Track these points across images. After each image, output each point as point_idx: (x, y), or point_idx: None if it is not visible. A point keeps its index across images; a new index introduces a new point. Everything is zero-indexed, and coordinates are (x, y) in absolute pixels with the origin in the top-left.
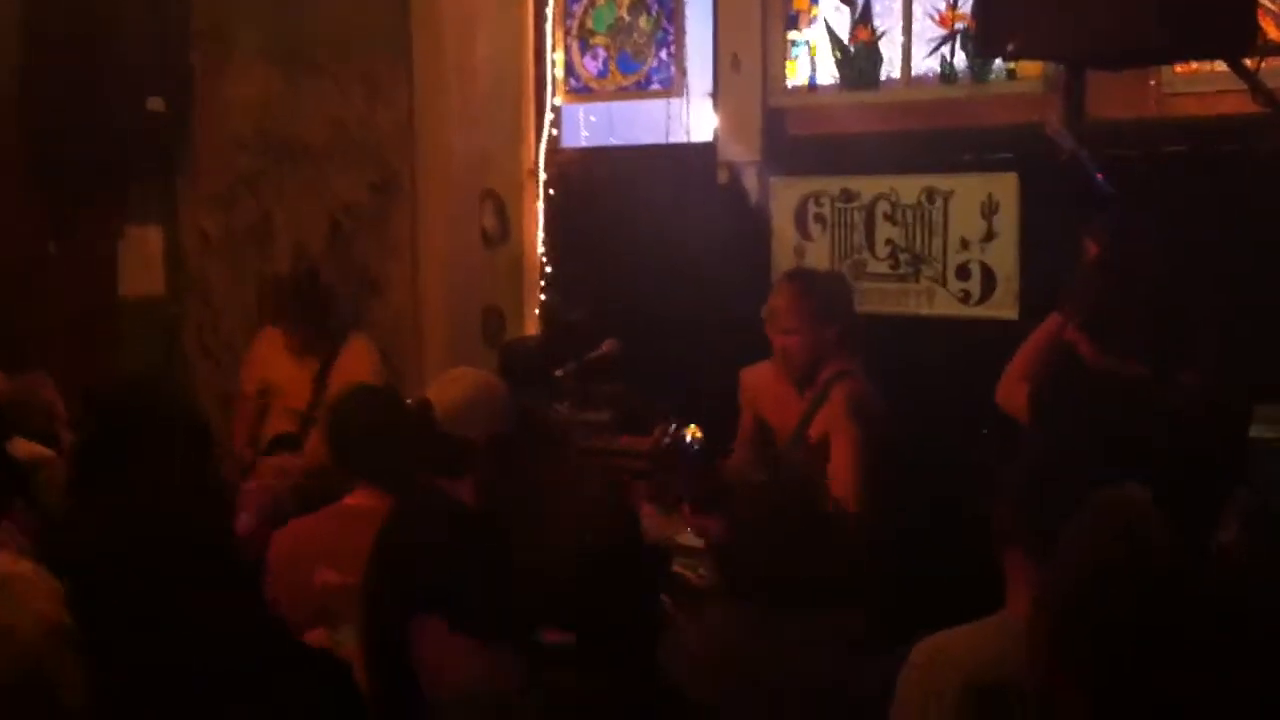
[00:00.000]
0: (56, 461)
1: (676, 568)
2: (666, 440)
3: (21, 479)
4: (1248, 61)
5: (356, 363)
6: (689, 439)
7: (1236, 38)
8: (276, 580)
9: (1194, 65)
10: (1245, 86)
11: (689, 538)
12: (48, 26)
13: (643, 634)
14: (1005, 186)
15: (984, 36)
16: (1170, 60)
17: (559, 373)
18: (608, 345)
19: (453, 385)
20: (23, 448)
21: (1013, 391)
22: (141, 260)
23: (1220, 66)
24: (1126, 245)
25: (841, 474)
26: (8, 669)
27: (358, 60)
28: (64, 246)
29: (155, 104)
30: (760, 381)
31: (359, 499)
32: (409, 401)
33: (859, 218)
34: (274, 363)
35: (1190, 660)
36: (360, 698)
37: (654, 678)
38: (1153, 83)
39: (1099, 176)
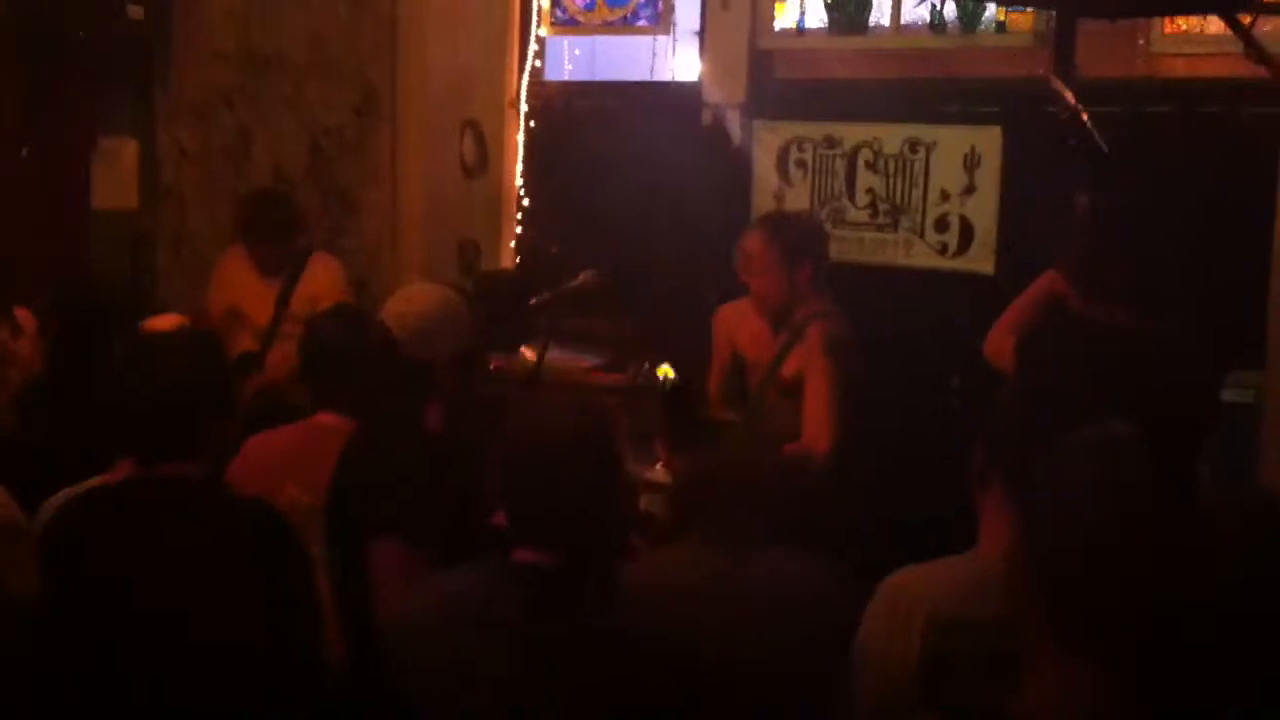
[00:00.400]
0: None
1: (643, 505)
2: (639, 378)
3: None
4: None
5: (320, 280)
6: (662, 378)
7: None
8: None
9: (1183, 26)
10: (1232, 50)
11: (659, 474)
12: None
13: (606, 550)
14: (988, 140)
15: None
16: (1167, 12)
17: (534, 301)
18: (585, 276)
19: (412, 304)
20: None
21: (1002, 344)
22: (115, 172)
23: (1210, 29)
24: (1118, 197)
25: (815, 410)
26: None
27: None
28: (37, 153)
29: (135, 11)
30: (738, 316)
31: (328, 417)
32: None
33: (840, 165)
34: (238, 282)
35: (1173, 607)
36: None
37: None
38: (1141, 42)
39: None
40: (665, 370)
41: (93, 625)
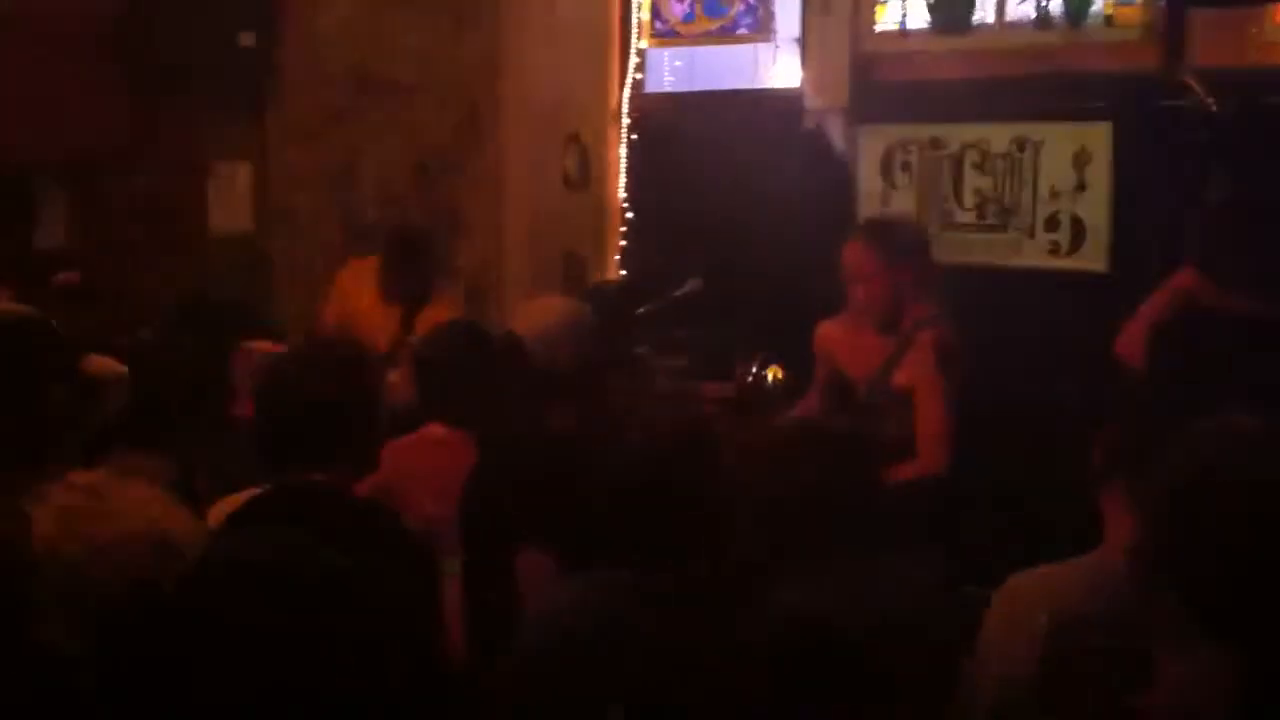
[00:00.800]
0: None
1: None
2: (749, 380)
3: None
4: None
5: (443, 315)
6: (771, 379)
7: None
8: None
9: None
10: None
11: None
12: None
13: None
14: (1098, 136)
15: None
16: None
17: (641, 311)
18: (691, 284)
19: (543, 314)
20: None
21: (1136, 342)
22: (231, 196)
23: None
24: (1246, 188)
25: (930, 428)
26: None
27: None
28: (152, 179)
29: (246, 39)
30: (837, 333)
31: (438, 428)
32: (498, 335)
33: (947, 167)
34: (359, 296)
35: None
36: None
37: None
38: (1254, 30)
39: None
40: (775, 371)
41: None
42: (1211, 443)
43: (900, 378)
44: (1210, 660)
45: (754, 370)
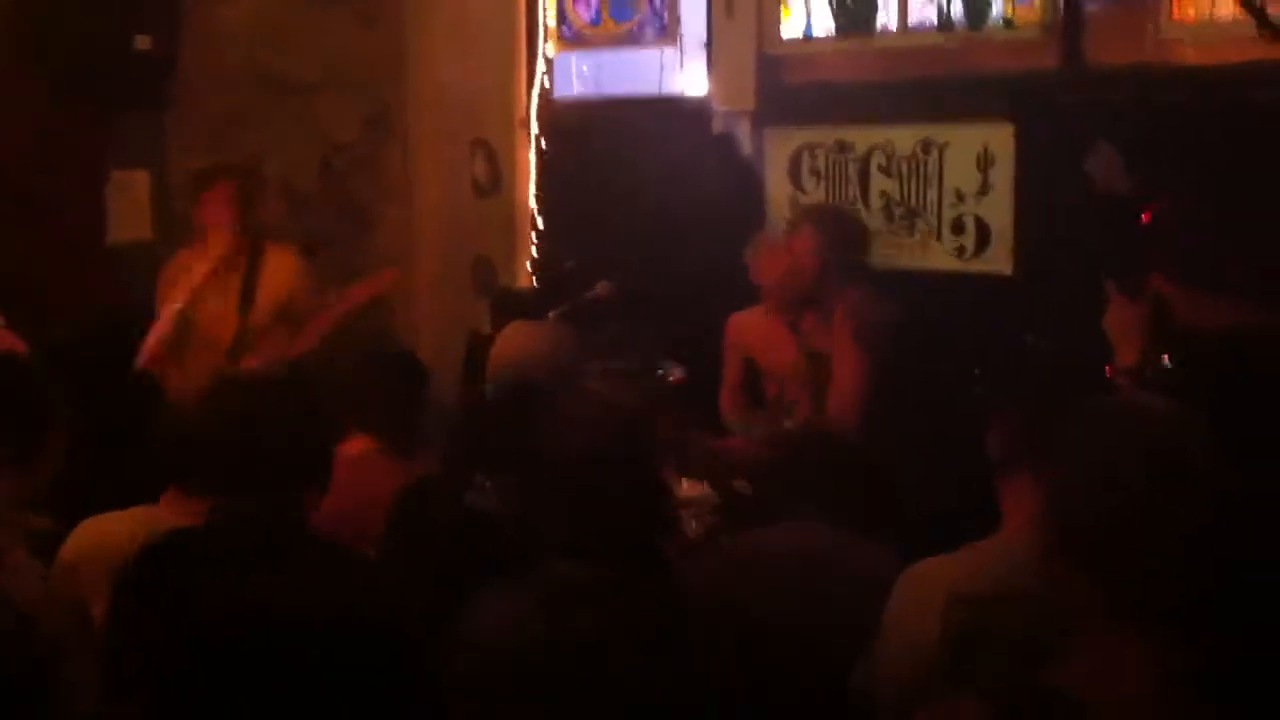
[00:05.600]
0: None
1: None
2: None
3: None
4: None
5: (283, 280)
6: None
7: None
8: None
9: (1193, 11)
10: (1246, 35)
11: (685, 490)
12: None
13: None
14: (1001, 137)
15: None
16: None
17: (551, 315)
18: (601, 287)
19: (528, 340)
20: None
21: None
22: (129, 205)
23: (1221, 11)
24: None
25: (844, 385)
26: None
27: None
28: (50, 187)
29: (143, 43)
30: (750, 325)
31: (357, 445)
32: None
33: (853, 170)
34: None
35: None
36: None
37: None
38: (1151, 28)
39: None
40: (675, 372)
41: None
42: (1117, 422)
43: (817, 344)
44: (1129, 645)
45: (657, 372)
